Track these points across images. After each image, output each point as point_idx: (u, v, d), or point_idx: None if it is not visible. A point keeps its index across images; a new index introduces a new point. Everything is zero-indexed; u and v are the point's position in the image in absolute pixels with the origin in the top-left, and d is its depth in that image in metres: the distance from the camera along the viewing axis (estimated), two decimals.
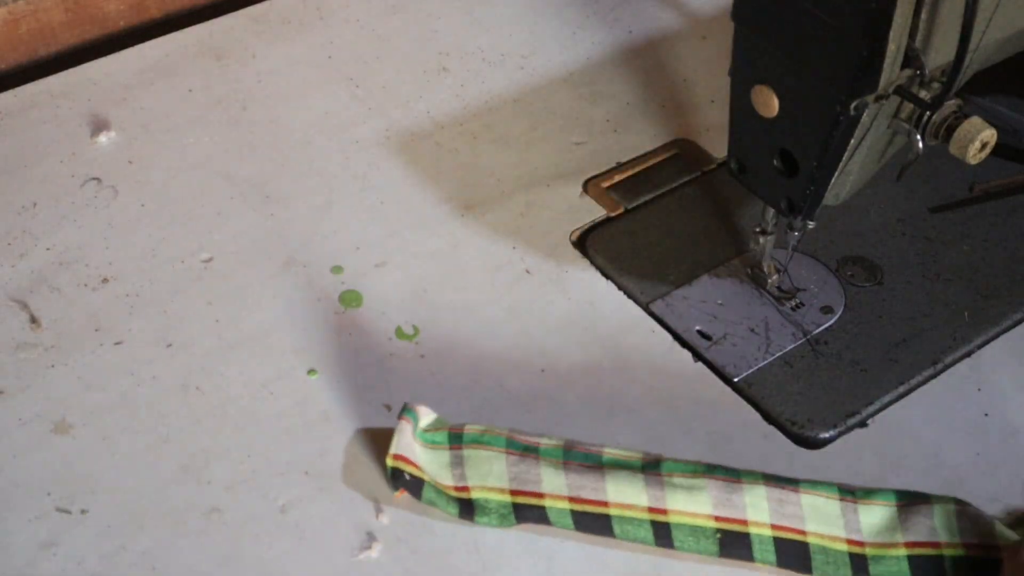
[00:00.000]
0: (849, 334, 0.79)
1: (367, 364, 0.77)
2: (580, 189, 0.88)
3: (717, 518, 0.67)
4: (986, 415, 0.75)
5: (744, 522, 0.67)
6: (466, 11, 1.03)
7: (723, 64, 0.72)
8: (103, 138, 0.90)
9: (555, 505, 0.68)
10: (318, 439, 0.73)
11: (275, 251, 0.83)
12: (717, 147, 0.91)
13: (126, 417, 0.73)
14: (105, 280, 0.81)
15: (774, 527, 0.67)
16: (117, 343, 0.77)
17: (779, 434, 0.74)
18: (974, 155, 0.69)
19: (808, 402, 0.75)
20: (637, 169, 0.90)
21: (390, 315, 0.80)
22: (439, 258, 0.83)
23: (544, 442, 0.70)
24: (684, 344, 0.78)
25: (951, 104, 0.69)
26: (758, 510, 0.67)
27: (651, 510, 0.67)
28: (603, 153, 0.91)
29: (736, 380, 0.76)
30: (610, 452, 0.69)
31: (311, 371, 0.76)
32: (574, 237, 0.85)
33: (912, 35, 0.65)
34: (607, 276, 0.83)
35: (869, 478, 0.71)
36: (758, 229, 0.79)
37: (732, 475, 0.68)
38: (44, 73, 0.96)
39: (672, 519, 0.67)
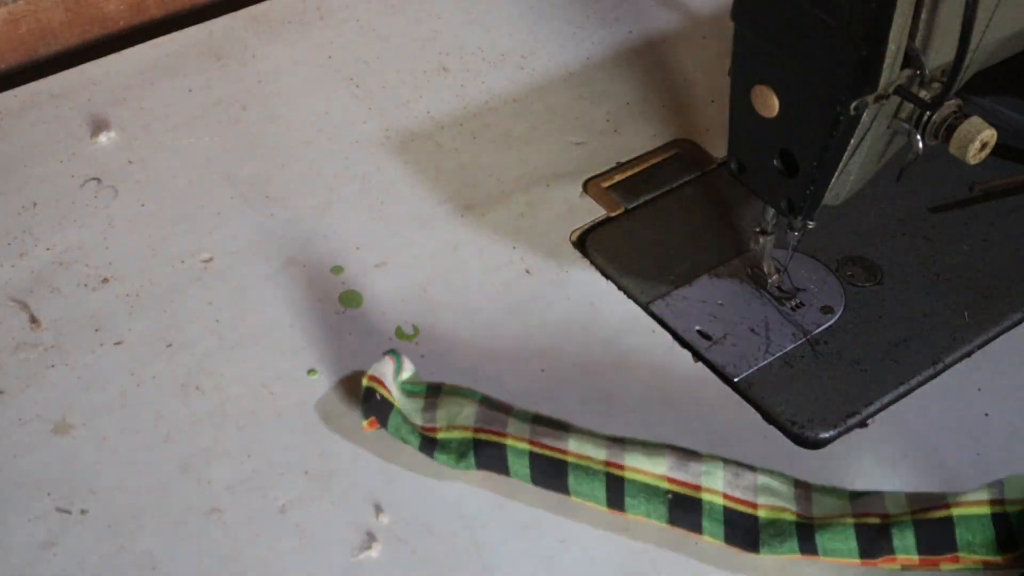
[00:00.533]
0: (849, 334, 0.79)
1: (367, 364, 0.77)
2: (580, 189, 0.88)
3: (671, 479, 0.67)
4: (986, 415, 0.75)
5: (697, 487, 0.67)
6: (466, 11, 1.03)
7: (723, 64, 0.72)
8: (103, 138, 0.90)
9: (515, 445, 0.69)
10: (318, 439, 0.73)
11: (275, 251, 0.83)
12: (717, 147, 0.91)
13: (126, 417, 0.73)
14: (105, 280, 0.81)
15: (726, 496, 0.67)
16: (117, 343, 0.77)
17: (779, 434, 0.74)
18: (974, 155, 0.69)
19: (808, 402, 0.75)
20: (637, 169, 0.90)
21: (390, 315, 0.80)
22: (439, 258, 0.83)
23: (517, 407, 0.72)
24: (684, 344, 0.78)
25: (951, 104, 0.69)
26: (713, 478, 0.68)
27: (608, 463, 0.68)
28: (603, 153, 0.91)
29: (736, 380, 0.76)
30: (577, 426, 0.71)
31: (311, 371, 0.76)
32: (574, 237, 0.85)
33: (912, 35, 0.65)
34: (607, 276, 0.83)
35: (869, 478, 0.71)
36: (758, 229, 0.79)
37: (693, 454, 0.69)
38: (44, 73, 0.96)
39: (627, 475, 0.68)
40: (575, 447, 0.69)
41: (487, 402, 0.72)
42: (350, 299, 0.81)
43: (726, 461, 0.69)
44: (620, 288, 0.82)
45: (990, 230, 0.85)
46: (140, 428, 0.73)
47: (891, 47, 0.64)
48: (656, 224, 0.86)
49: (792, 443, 0.73)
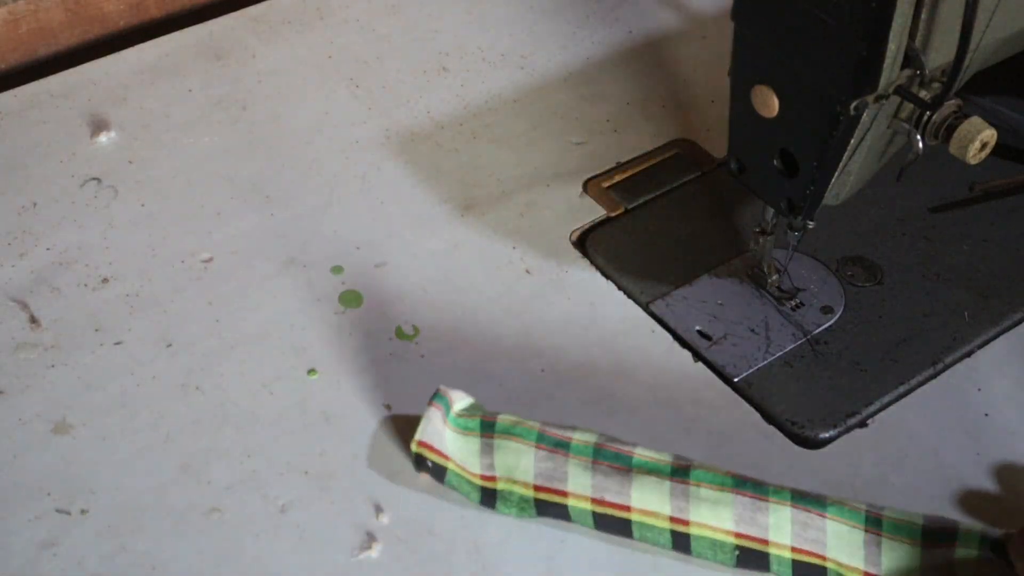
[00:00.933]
0: (849, 334, 0.79)
1: (367, 364, 0.77)
2: (580, 189, 0.88)
3: (738, 535, 0.66)
4: (986, 415, 0.75)
5: (765, 541, 0.66)
6: (466, 11, 1.03)
7: (723, 64, 0.72)
8: (103, 138, 0.90)
9: (577, 505, 0.68)
10: (318, 439, 0.73)
11: (275, 251, 0.83)
12: (717, 147, 0.91)
13: (126, 417, 0.73)
14: (105, 280, 0.81)
15: (794, 550, 0.66)
16: (117, 343, 0.77)
17: (779, 434, 0.74)
18: (974, 155, 0.69)
19: (808, 402, 0.75)
20: (637, 169, 0.90)
21: (390, 315, 0.80)
22: (439, 258, 0.83)
23: (576, 437, 0.70)
24: (684, 344, 0.78)
25: (951, 104, 0.69)
26: (780, 532, 0.66)
27: (673, 519, 0.67)
28: (603, 153, 0.91)
29: (736, 380, 0.76)
30: (641, 454, 0.69)
31: (311, 371, 0.76)
32: (574, 237, 0.85)
33: (912, 35, 0.65)
34: (607, 276, 0.82)
35: (869, 478, 0.71)
36: (758, 229, 0.79)
37: (760, 492, 0.67)
38: (44, 73, 0.96)
39: (693, 531, 0.67)
40: (638, 500, 0.67)
41: (543, 439, 0.69)
42: (350, 299, 0.81)
43: (794, 498, 0.67)
44: (620, 288, 0.82)
45: (990, 230, 0.85)
46: (140, 428, 0.73)
47: (891, 47, 0.64)
48: (656, 224, 0.86)
49: (792, 443, 0.73)
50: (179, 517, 0.69)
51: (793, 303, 0.80)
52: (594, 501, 0.68)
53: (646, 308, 0.80)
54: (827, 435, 0.74)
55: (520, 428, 0.70)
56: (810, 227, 0.75)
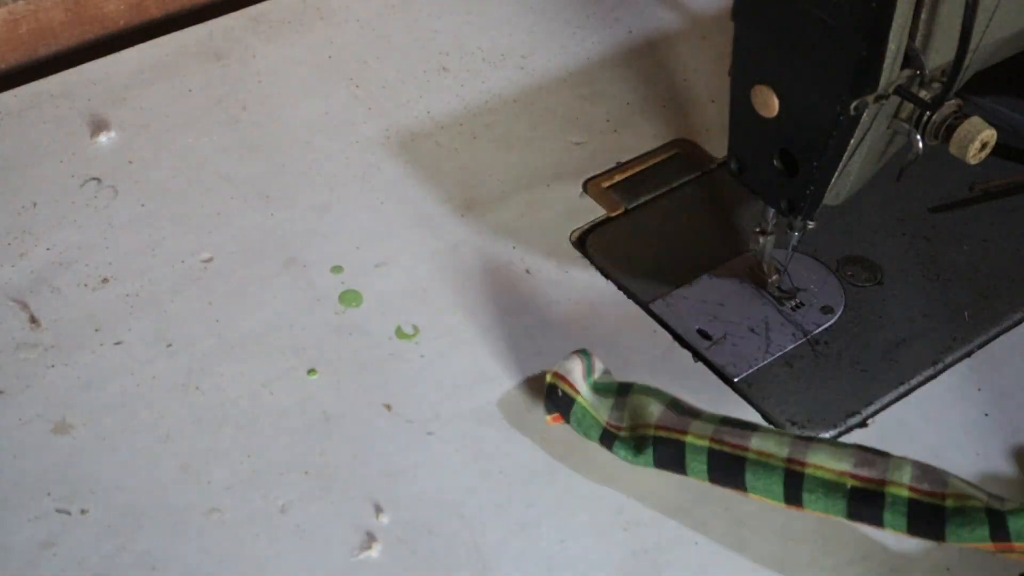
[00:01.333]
0: (849, 334, 0.79)
1: (367, 364, 0.77)
2: (580, 189, 0.88)
3: (854, 475, 0.66)
4: (986, 415, 0.75)
5: (883, 481, 0.65)
6: (466, 11, 1.03)
7: (723, 64, 0.72)
8: (103, 138, 0.90)
9: (695, 442, 0.68)
10: (318, 439, 0.73)
11: (275, 251, 0.83)
12: (717, 147, 0.91)
13: (126, 417, 0.73)
14: (105, 280, 0.81)
15: (912, 489, 0.65)
16: (117, 343, 0.77)
17: None
18: (974, 155, 0.69)
19: (808, 402, 0.75)
20: (637, 169, 0.90)
21: (390, 315, 0.80)
22: (439, 258, 0.83)
23: (707, 411, 0.71)
24: (684, 344, 0.78)
25: (951, 104, 0.69)
26: (901, 472, 0.66)
27: (788, 460, 0.67)
28: (603, 153, 0.91)
29: (736, 380, 0.76)
30: (765, 427, 0.70)
31: (311, 371, 0.76)
32: (574, 237, 0.85)
33: (912, 35, 0.65)
34: (607, 276, 0.82)
35: None
36: (758, 229, 0.78)
37: (883, 454, 0.67)
38: (44, 73, 0.96)
39: (808, 471, 0.66)
40: (756, 444, 0.68)
41: (675, 405, 0.71)
42: (350, 299, 0.81)
43: (916, 461, 0.67)
44: (620, 288, 0.82)
45: (990, 230, 0.85)
46: (140, 428, 0.73)
47: (891, 47, 0.64)
48: (656, 224, 0.86)
49: None
50: (179, 517, 0.69)
51: (793, 303, 0.80)
52: (712, 439, 0.68)
53: (646, 308, 0.80)
54: (827, 435, 0.74)
55: (655, 391, 0.72)
56: (810, 227, 0.75)
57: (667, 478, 0.70)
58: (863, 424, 0.74)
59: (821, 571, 0.68)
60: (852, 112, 0.66)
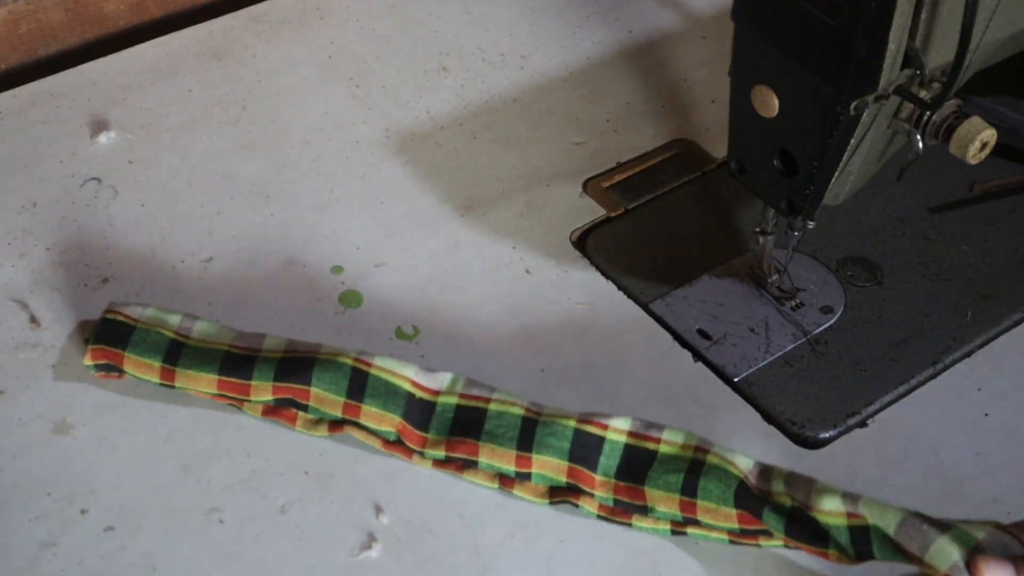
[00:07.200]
0: (849, 334, 0.79)
1: None
2: (580, 189, 0.88)
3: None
4: (986, 415, 0.75)
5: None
6: (466, 11, 1.03)
7: (723, 64, 0.72)
8: (103, 138, 0.90)
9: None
10: (318, 439, 0.73)
11: (275, 251, 0.83)
12: (717, 147, 0.91)
13: (126, 417, 0.73)
14: (105, 280, 0.81)
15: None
16: None
17: (779, 434, 0.74)
18: (974, 155, 0.69)
19: (808, 402, 0.75)
20: (637, 169, 0.90)
21: (390, 315, 0.80)
22: (439, 258, 0.83)
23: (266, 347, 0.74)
24: (684, 344, 0.78)
25: (951, 104, 0.69)
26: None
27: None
28: (603, 153, 0.91)
29: (736, 380, 0.76)
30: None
31: None
32: (574, 237, 0.85)
33: (912, 35, 0.65)
34: (607, 276, 0.83)
35: (869, 478, 0.71)
36: (758, 229, 0.78)
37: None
38: (44, 73, 0.96)
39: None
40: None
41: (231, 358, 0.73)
42: (350, 299, 0.81)
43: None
44: (620, 288, 0.82)
45: (990, 230, 0.85)
46: (140, 428, 0.73)
47: (891, 47, 0.64)
48: (656, 224, 0.86)
49: (792, 443, 0.73)
50: (179, 517, 0.69)
51: (793, 303, 0.80)
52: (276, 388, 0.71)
53: (646, 308, 0.80)
54: (827, 435, 0.74)
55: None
56: (810, 227, 0.75)
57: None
58: (863, 424, 0.74)
59: (822, 570, 0.68)
60: (852, 112, 0.66)
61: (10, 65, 0.99)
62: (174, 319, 0.74)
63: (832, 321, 0.79)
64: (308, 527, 0.69)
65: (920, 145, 0.70)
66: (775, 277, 0.81)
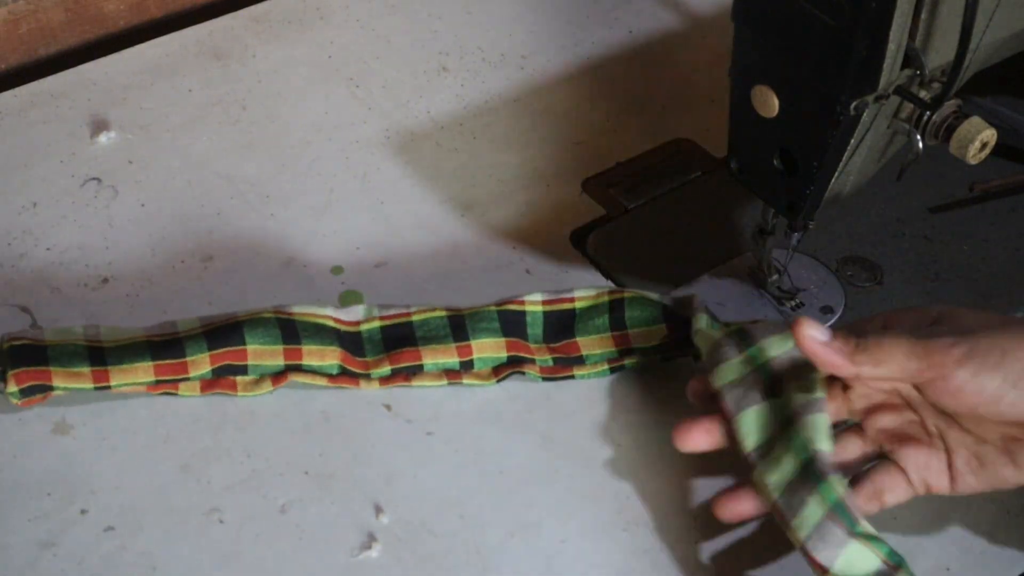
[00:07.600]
0: None
1: None
2: (580, 189, 0.88)
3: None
4: None
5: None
6: (466, 11, 1.03)
7: (723, 64, 0.72)
8: (103, 138, 0.90)
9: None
10: (318, 439, 0.73)
11: (275, 251, 0.83)
12: (717, 147, 0.91)
13: (126, 417, 0.73)
14: (105, 280, 0.81)
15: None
16: None
17: None
18: (974, 155, 0.69)
19: None
20: (637, 169, 0.90)
21: None
22: (439, 258, 0.83)
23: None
24: (684, 344, 0.78)
25: (951, 104, 0.69)
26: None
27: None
28: (603, 153, 0.91)
29: None
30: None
31: None
32: (574, 237, 0.85)
33: (912, 35, 0.65)
34: (607, 276, 0.82)
35: None
36: (758, 229, 0.78)
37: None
38: (44, 73, 0.96)
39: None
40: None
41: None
42: (350, 299, 0.81)
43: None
44: (620, 288, 0.82)
45: (990, 230, 0.85)
46: (140, 428, 0.73)
47: (891, 47, 0.64)
48: (656, 224, 0.86)
49: None
50: (179, 517, 0.69)
51: (793, 303, 0.80)
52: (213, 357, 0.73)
53: None
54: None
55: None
56: (810, 227, 0.75)
57: (667, 478, 0.70)
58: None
59: None
60: (852, 112, 0.66)
61: (10, 65, 0.99)
62: (77, 330, 0.73)
63: (832, 321, 0.79)
64: (308, 527, 0.69)
65: (920, 145, 0.70)
66: (775, 277, 0.81)
